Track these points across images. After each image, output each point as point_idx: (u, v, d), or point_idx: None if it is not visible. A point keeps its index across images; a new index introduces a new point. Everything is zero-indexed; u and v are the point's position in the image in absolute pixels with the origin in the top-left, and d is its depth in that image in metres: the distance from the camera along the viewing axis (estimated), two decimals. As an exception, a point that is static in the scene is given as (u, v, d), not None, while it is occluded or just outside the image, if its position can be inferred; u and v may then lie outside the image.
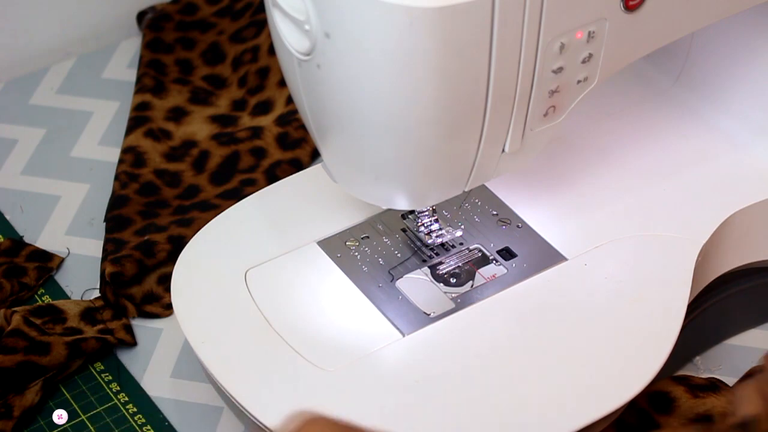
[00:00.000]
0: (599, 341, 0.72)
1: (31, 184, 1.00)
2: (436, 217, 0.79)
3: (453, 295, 0.77)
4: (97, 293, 0.89)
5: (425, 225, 0.79)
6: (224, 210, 0.83)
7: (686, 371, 0.83)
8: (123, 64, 1.13)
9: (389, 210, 0.81)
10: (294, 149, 1.00)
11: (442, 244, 0.80)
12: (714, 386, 0.78)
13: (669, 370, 0.80)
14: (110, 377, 0.84)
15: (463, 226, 0.80)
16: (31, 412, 0.81)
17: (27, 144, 1.04)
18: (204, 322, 0.76)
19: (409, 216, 0.81)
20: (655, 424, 0.75)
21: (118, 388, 0.83)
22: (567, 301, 0.75)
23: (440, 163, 0.69)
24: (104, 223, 0.94)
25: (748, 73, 0.85)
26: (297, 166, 0.98)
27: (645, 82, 0.90)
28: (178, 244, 0.88)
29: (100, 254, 0.91)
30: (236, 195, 0.94)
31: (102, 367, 0.85)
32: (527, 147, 0.71)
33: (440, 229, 0.79)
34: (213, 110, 1.06)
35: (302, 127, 0.99)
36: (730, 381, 0.82)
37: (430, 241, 0.79)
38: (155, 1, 1.17)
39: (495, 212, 0.82)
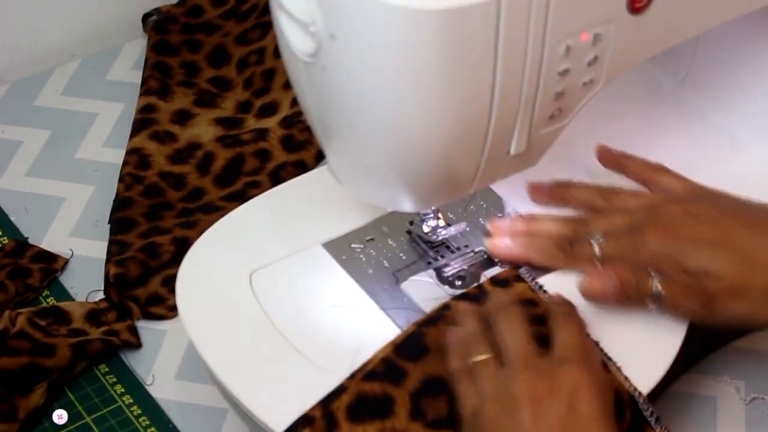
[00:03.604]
0: (604, 344, 0.72)
1: (35, 185, 1.00)
2: (440, 216, 0.79)
3: (458, 297, 0.76)
4: (101, 295, 0.89)
5: (430, 225, 0.79)
6: (229, 212, 0.83)
7: (692, 378, 0.83)
8: (127, 66, 1.13)
9: (394, 212, 0.81)
10: (299, 151, 1.00)
11: (447, 246, 0.80)
12: None
13: (674, 373, 0.80)
14: (115, 379, 0.84)
15: (468, 226, 0.80)
16: (36, 414, 0.81)
17: (32, 145, 1.04)
18: (209, 324, 0.76)
19: (415, 221, 0.81)
20: None
21: (123, 390, 0.83)
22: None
23: (445, 164, 0.69)
24: (109, 225, 0.94)
25: (753, 74, 0.85)
26: (302, 168, 0.98)
27: (651, 83, 0.90)
28: (182, 246, 0.88)
29: (104, 256, 0.91)
30: (241, 197, 0.94)
31: (107, 369, 0.84)
32: (533, 149, 0.71)
33: (446, 225, 0.79)
34: (218, 112, 1.05)
35: (307, 129, 0.99)
36: (737, 385, 0.82)
37: (434, 237, 0.79)
38: (160, 3, 1.17)
39: (500, 214, 0.82)
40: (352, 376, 0.68)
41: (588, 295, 0.73)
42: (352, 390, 0.67)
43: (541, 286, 0.74)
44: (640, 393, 0.68)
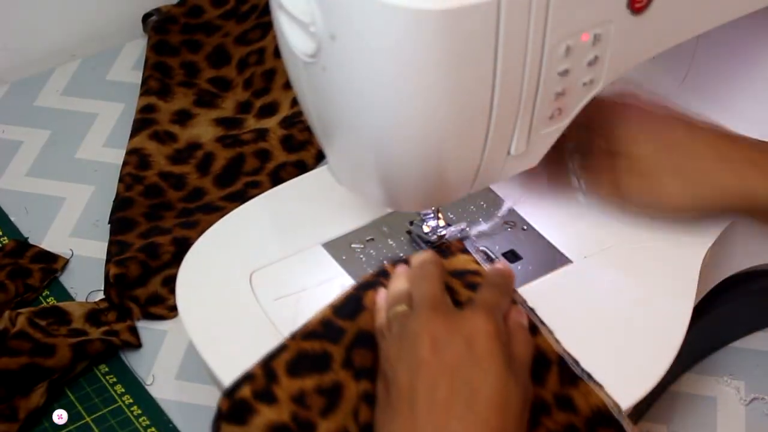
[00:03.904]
0: (604, 344, 0.72)
1: (35, 185, 1.00)
2: (440, 216, 0.79)
3: (458, 297, 0.76)
4: (101, 295, 0.89)
5: (430, 225, 0.79)
6: (229, 212, 0.83)
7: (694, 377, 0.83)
8: (127, 66, 1.14)
9: (394, 212, 0.81)
10: (299, 151, 1.00)
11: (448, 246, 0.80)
12: None
13: (674, 373, 0.80)
14: (115, 379, 0.84)
15: (467, 226, 0.80)
16: (37, 414, 0.81)
17: (32, 145, 1.04)
18: (209, 324, 0.76)
19: (415, 221, 0.81)
20: None
21: (123, 390, 0.83)
22: (572, 304, 0.75)
23: (445, 165, 0.69)
24: (109, 225, 0.94)
25: (753, 75, 0.85)
26: (302, 168, 0.98)
27: (650, 84, 0.90)
28: (182, 246, 0.88)
29: (104, 256, 0.91)
30: (241, 197, 0.94)
31: (107, 369, 0.85)
32: (533, 149, 0.71)
33: (446, 225, 0.79)
34: (218, 113, 1.06)
35: (307, 129, 0.99)
36: (737, 385, 0.82)
37: (434, 237, 0.79)
38: (160, 3, 1.17)
39: (500, 215, 0.82)
40: (293, 337, 0.70)
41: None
42: (292, 349, 0.69)
43: (485, 260, 0.76)
44: (569, 354, 0.69)
